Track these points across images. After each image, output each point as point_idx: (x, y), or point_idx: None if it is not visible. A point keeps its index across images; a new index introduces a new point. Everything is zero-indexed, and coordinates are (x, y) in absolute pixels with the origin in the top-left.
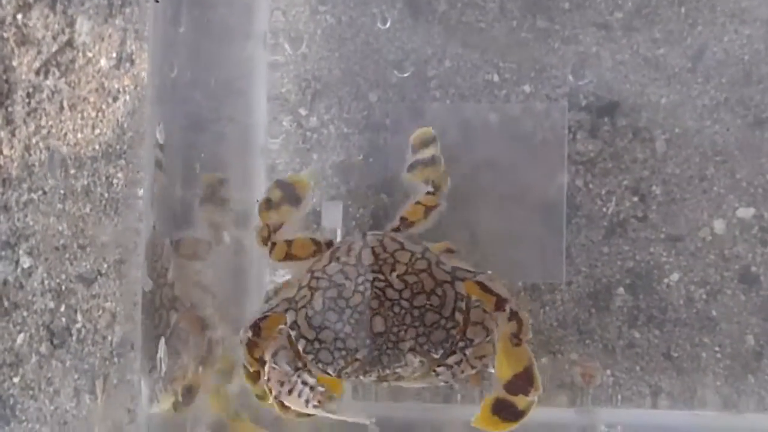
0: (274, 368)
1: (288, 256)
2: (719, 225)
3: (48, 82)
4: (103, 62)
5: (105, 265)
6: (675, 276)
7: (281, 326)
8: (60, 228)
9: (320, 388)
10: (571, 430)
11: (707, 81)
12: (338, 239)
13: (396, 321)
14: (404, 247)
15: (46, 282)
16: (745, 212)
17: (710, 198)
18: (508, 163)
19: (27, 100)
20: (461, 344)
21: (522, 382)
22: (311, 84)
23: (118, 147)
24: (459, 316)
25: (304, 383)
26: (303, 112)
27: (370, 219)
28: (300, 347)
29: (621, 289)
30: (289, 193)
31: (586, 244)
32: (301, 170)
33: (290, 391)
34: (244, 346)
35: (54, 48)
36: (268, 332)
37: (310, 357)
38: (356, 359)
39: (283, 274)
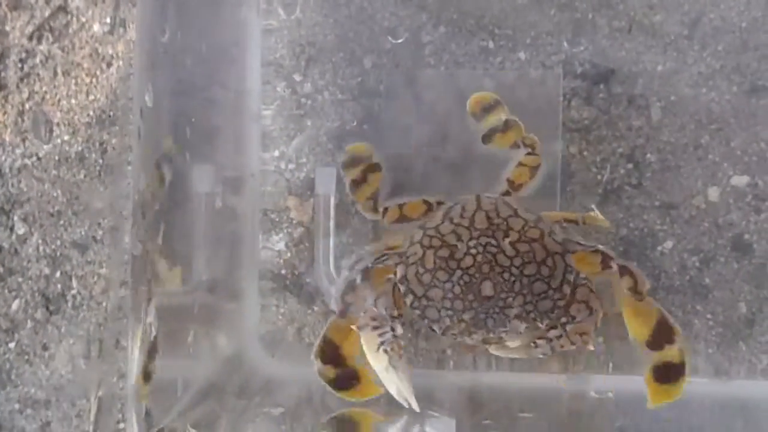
0: (371, 308)
1: (401, 218)
2: (713, 193)
3: (41, 47)
4: (96, 27)
5: (100, 232)
6: (669, 243)
7: (390, 276)
8: (54, 194)
9: (401, 341)
10: (563, 396)
11: (703, 48)
12: (332, 205)
13: (505, 287)
14: (517, 213)
15: (41, 248)
16: (739, 180)
17: (705, 166)
18: None
19: (20, 66)
20: (563, 319)
21: (663, 331)
22: (305, 50)
23: (111, 113)
24: (567, 289)
25: (392, 329)
26: (297, 78)
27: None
28: (407, 301)
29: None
30: (364, 163)
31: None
32: (296, 136)
33: (375, 328)
34: (341, 286)
35: (47, 13)
36: (376, 279)
37: (417, 312)
38: (462, 320)
39: (277, 240)
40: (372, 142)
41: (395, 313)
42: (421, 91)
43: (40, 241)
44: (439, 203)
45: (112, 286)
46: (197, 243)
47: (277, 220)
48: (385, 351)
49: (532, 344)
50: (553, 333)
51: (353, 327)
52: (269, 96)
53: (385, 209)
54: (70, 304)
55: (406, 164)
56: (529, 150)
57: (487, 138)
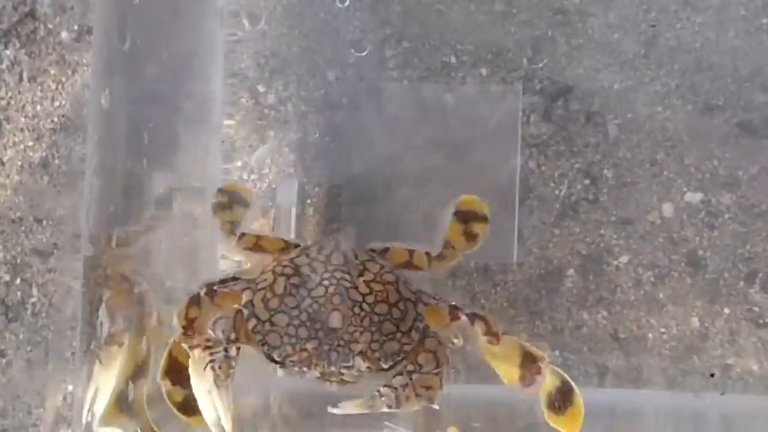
0: (209, 332)
1: (255, 248)
2: (668, 209)
3: (8, 53)
4: (64, 35)
5: (62, 239)
6: (624, 258)
7: (234, 306)
8: (17, 200)
9: (233, 363)
10: (521, 406)
11: (659, 67)
12: (293, 216)
13: (354, 321)
14: (375, 260)
15: (1, 255)
16: (693, 197)
17: (660, 182)
18: (462, 145)
19: None
20: (410, 367)
21: (529, 365)
22: (269, 61)
23: (77, 120)
24: (415, 335)
25: (226, 350)
26: (261, 89)
27: (325, 197)
28: (250, 326)
29: (571, 271)
30: (236, 198)
31: (538, 225)
32: (258, 147)
33: (207, 348)
34: (185, 300)
35: (15, 18)
36: (220, 301)
37: (258, 337)
38: (304, 349)
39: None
40: (334, 154)
41: (232, 336)
42: (384, 103)
43: (0, 248)
44: (297, 245)
45: (71, 294)
46: (154, 250)
47: None
48: (213, 368)
49: (377, 392)
50: (398, 381)
51: (184, 345)
52: (232, 106)
53: (243, 234)
54: (29, 311)
55: (368, 177)
56: (433, 255)
57: (457, 216)
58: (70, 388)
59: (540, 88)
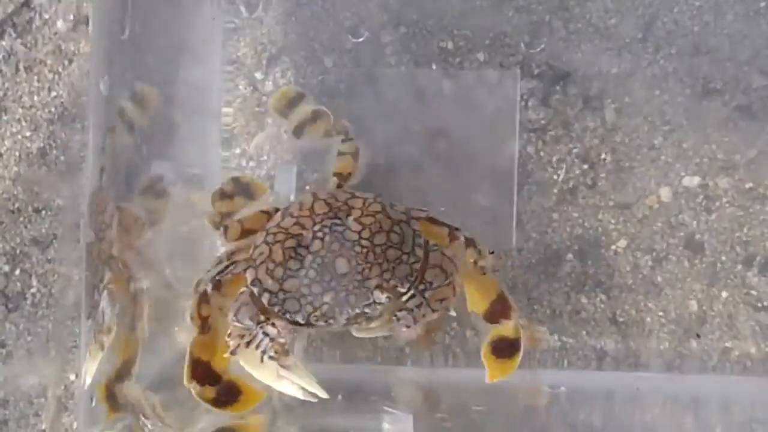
0: (235, 325)
1: (243, 233)
2: (666, 193)
3: (3, 43)
4: (60, 24)
5: (61, 229)
6: (622, 243)
7: (243, 288)
8: (15, 191)
9: (280, 339)
10: (518, 391)
11: (657, 51)
12: None
13: (359, 260)
14: (355, 195)
15: (0, 245)
16: (691, 181)
17: (658, 166)
18: (460, 130)
19: None
20: (421, 287)
21: (499, 306)
22: (267, 48)
23: (74, 110)
24: (419, 252)
25: (265, 334)
26: (258, 76)
27: (323, 184)
28: (264, 301)
29: (570, 255)
30: (244, 190)
31: (537, 210)
32: (257, 134)
33: (248, 344)
34: (195, 300)
35: (10, 8)
36: (228, 290)
37: (277, 308)
38: (324, 303)
39: None
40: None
41: (261, 318)
42: (382, 89)
43: None
44: (276, 209)
45: (71, 284)
46: (154, 238)
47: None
48: (271, 358)
49: (394, 317)
50: (412, 302)
51: (226, 355)
52: (230, 94)
53: (225, 227)
54: (29, 301)
55: (366, 163)
56: (343, 137)
57: (297, 131)
58: (72, 377)
59: (538, 73)
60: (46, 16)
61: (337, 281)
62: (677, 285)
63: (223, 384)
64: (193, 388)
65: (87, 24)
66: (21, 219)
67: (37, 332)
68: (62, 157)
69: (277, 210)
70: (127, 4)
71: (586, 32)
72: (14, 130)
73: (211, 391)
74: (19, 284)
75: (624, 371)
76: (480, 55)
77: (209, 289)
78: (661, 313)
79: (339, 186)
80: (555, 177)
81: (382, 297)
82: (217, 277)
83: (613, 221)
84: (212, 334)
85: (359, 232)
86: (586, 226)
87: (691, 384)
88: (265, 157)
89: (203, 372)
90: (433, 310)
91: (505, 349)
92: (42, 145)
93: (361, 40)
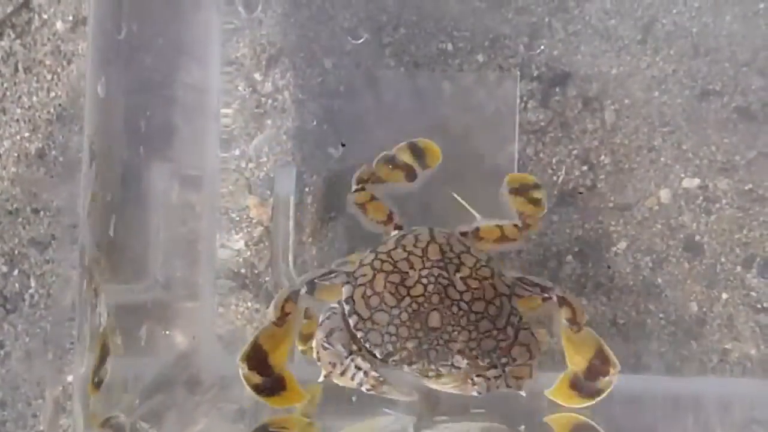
0: (325, 347)
1: (364, 207)
2: (665, 195)
3: (2, 44)
4: (59, 25)
5: (59, 230)
6: (622, 244)
7: (334, 305)
8: (14, 192)
9: (374, 374)
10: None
11: (656, 53)
12: (291, 205)
13: (452, 320)
14: (470, 251)
15: None
16: (691, 182)
17: (657, 168)
18: (460, 132)
19: None
20: (503, 360)
21: (598, 364)
22: (266, 49)
23: (72, 111)
24: (510, 331)
25: (358, 368)
26: (258, 77)
27: (323, 186)
28: (351, 322)
29: (570, 257)
30: (417, 155)
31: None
32: (256, 135)
33: (342, 373)
34: (283, 293)
35: (9, 9)
36: (320, 294)
37: (360, 334)
38: (405, 348)
39: (237, 239)
40: (331, 143)
41: (354, 347)
42: (381, 91)
43: None
44: (398, 226)
45: (69, 285)
46: (152, 239)
47: (237, 219)
48: (368, 390)
49: (470, 380)
50: (492, 372)
51: (320, 380)
52: (229, 95)
53: (363, 188)
54: (27, 302)
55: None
56: (519, 224)
57: (515, 192)
58: (69, 378)
59: (537, 75)
60: (45, 17)
61: (424, 332)
62: (677, 287)
63: (273, 376)
64: (242, 368)
65: (86, 25)
66: (19, 220)
67: (35, 333)
68: (60, 158)
69: (397, 226)
70: (124, 5)
71: (585, 34)
72: (13, 130)
73: (257, 378)
74: (17, 285)
75: (625, 373)
76: (479, 56)
77: (303, 290)
78: (661, 315)
79: (464, 234)
80: (555, 178)
81: (462, 362)
82: (314, 279)
83: (613, 223)
84: (284, 330)
85: (462, 293)
86: (586, 227)
87: (691, 385)
88: (265, 159)
89: (259, 359)
90: (507, 386)
91: (585, 389)
92: (41, 145)
93: (360, 41)
